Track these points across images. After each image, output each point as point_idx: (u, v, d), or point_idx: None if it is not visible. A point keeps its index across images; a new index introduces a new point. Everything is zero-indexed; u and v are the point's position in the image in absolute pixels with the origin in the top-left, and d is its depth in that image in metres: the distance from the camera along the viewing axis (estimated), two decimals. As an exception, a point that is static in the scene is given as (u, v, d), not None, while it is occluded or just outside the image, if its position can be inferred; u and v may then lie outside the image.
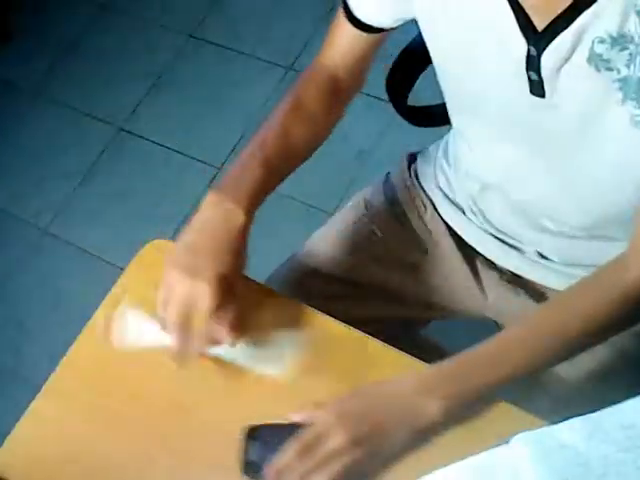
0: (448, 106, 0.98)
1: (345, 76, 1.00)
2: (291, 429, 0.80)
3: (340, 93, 1.00)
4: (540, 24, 0.75)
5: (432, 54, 0.90)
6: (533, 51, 0.76)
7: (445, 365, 0.82)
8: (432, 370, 0.83)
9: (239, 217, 0.86)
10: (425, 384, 0.81)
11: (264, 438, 0.81)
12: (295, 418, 0.81)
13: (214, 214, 0.86)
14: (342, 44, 0.98)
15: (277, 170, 0.92)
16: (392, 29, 0.95)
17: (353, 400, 0.82)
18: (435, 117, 1.12)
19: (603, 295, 0.82)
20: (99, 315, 0.95)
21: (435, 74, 0.95)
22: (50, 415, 0.90)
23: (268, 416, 0.83)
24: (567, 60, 0.75)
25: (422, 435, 0.80)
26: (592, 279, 0.86)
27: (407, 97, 1.19)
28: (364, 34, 0.95)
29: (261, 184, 0.88)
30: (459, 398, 0.80)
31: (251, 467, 0.80)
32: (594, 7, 0.70)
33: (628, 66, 0.72)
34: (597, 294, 0.83)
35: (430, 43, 0.88)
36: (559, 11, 0.72)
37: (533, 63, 0.77)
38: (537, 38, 0.75)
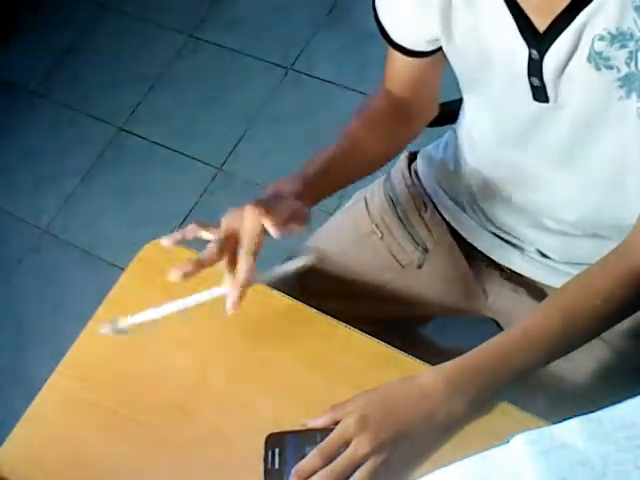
0: (464, 101, 0.99)
1: (403, 98, 1.00)
2: (312, 436, 0.79)
3: (399, 113, 1.00)
4: (541, 25, 0.75)
5: (450, 60, 0.90)
6: (535, 55, 0.77)
7: (469, 361, 0.80)
8: (456, 368, 0.80)
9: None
10: (453, 384, 0.78)
11: (285, 446, 0.80)
12: (314, 424, 0.80)
13: None
14: (392, 68, 0.98)
15: (334, 160, 0.97)
16: (433, 53, 0.92)
17: (375, 403, 0.79)
18: (435, 117, 1.12)
19: (612, 276, 0.82)
20: (99, 315, 0.95)
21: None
22: (50, 415, 0.90)
23: (268, 415, 0.83)
24: (568, 61, 0.75)
25: (447, 434, 0.79)
26: (599, 264, 0.84)
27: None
28: (408, 58, 0.94)
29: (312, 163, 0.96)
30: (484, 393, 0.79)
31: (273, 476, 0.79)
32: (593, 4, 0.70)
33: (628, 64, 0.72)
34: (606, 276, 0.82)
35: (448, 53, 0.89)
36: (560, 10, 0.73)
37: (535, 68, 0.78)
38: (539, 40, 0.76)
